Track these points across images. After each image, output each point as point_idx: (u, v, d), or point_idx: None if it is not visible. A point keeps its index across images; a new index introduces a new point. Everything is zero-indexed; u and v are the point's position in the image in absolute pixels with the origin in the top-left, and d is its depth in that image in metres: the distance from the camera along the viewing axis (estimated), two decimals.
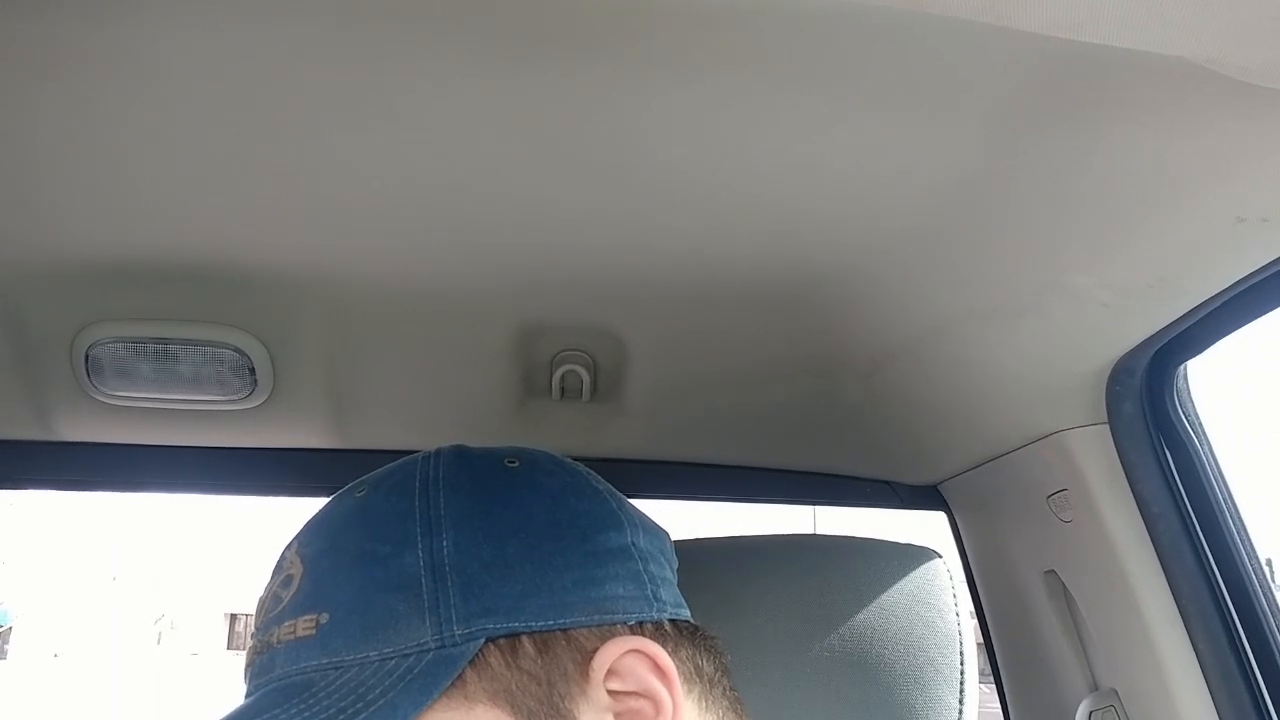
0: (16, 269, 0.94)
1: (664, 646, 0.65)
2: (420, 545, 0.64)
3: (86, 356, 1.05)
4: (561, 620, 0.63)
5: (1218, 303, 0.84)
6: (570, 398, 1.18)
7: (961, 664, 0.98)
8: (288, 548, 0.70)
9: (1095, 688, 1.15)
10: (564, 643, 0.63)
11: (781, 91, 0.67)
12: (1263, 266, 0.78)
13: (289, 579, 0.67)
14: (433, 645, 0.61)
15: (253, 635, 0.69)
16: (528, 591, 0.63)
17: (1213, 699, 0.99)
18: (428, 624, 0.61)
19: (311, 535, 0.70)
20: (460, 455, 0.72)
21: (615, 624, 0.64)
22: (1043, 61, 0.63)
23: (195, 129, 0.73)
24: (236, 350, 1.06)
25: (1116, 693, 1.09)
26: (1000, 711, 1.37)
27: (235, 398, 1.13)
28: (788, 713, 0.97)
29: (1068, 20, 0.50)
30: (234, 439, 1.29)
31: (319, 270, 0.94)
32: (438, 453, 0.72)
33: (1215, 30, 0.50)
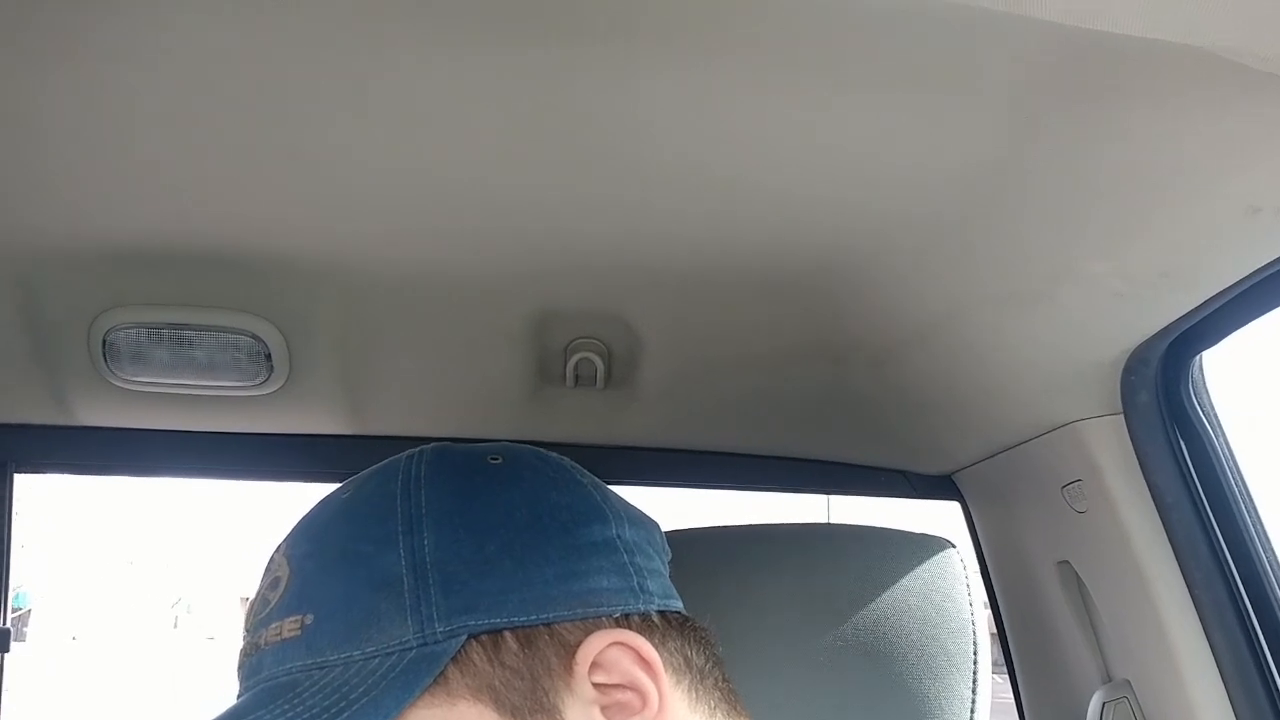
0: (34, 255, 0.94)
1: (651, 638, 0.65)
2: (401, 544, 0.64)
3: (104, 342, 1.06)
4: (544, 615, 0.63)
5: (1233, 293, 0.83)
6: (584, 385, 1.18)
7: (975, 654, 0.98)
8: (276, 550, 0.71)
9: (1108, 679, 1.15)
10: (547, 637, 0.63)
11: (796, 77, 0.67)
12: (1278, 258, 0.77)
13: (276, 581, 0.68)
14: (415, 643, 0.61)
15: (243, 637, 0.70)
16: (509, 587, 0.63)
17: (1226, 690, 0.98)
18: (409, 622, 0.62)
19: (298, 537, 0.70)
20: (442, 454, 0.72)
21: (599, 617, 0.64)
22: (1059, 49, 0.63)
23: (211, 115, 0.73)
24: (253, 336, 1.07)
25: (1130, 684, 1.09)
26: (1013, 702, 1.37)
27: (251, 384, 1.13)
28: (800, 702, 0.97)
29: (1084, 8, 0.49)
30: (250, 425, 1.30)
31: (335, 257, 0.94)
32: (420, 452, 0.72)
33: (1233, 19, 0.50)
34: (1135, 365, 0.98)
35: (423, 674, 0.60)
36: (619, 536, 0.68)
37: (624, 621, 0.65)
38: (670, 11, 0.61)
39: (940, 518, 1.46)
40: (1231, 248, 0.78)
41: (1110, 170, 0.73)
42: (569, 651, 0.63)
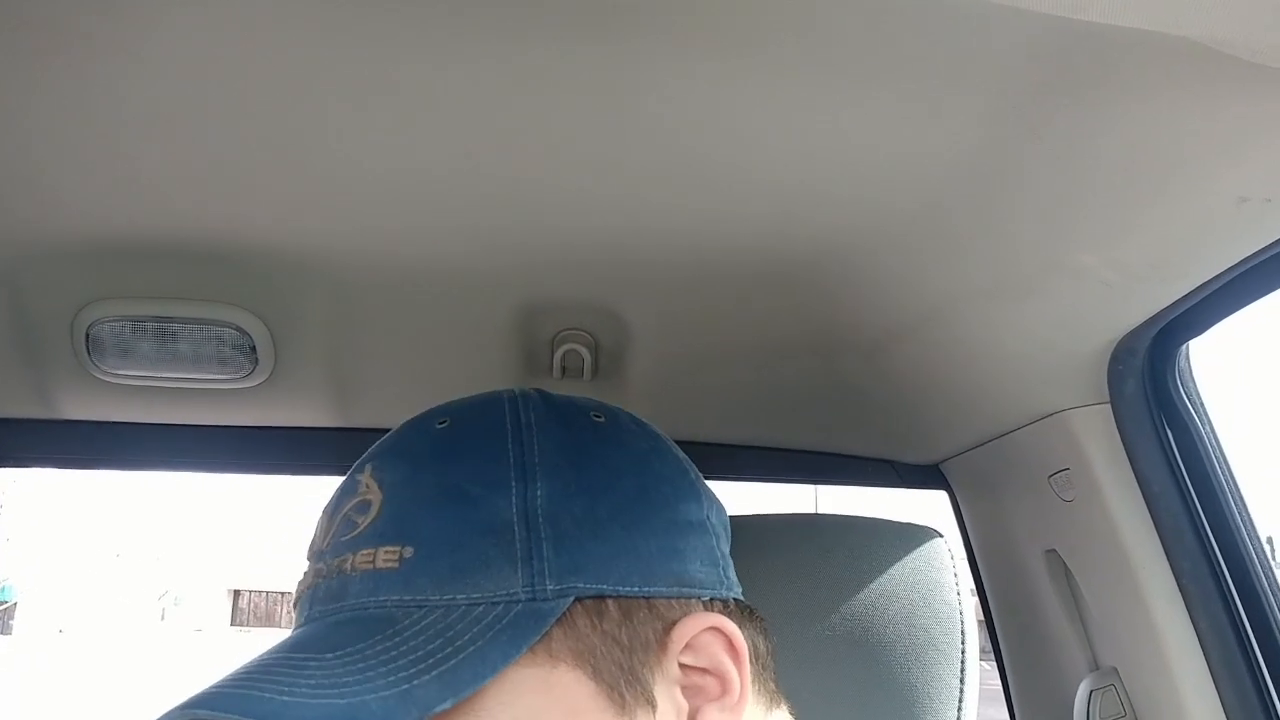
0: (18, 247, 0.94)
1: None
2: (514, 490, 0.62)
3: (87, 335, 1.05)
4: (646, 588, 0.61)
5: (1220, 283, 0.83)
6: (571, 377, 1.18)
7: (962, 643, 0.98)
8: (358, 469, 0.67)
9: (1096, 666, 1.16)
10: (645, 611, 0.61)
11: (785, 70, 0.67)
12: (1265, 247, 0.78)
13: (365, 504, 0.64)
14: (523, 596, 0.59)
15: (316, 557, 0.66)
16: (617, 553, 0.61)
17: (1213, 677, 0.99)
18: (519, 574, 0.59)
19: (390, 461, 0.67)
20: (549, 401, 0.69)
21: (692, 598, 0.64)
22: (1049, 41, 0.63)
23: (197, 107, 0.72)
24: (237, 329, 1.06)
25: (1117, 671, 1.10)
26: (1001, 689, 1.37)
27: (236, 376, 1.13)
28: (788, 692, 0.97)
29: None
30: (235, 417, 1.29)
31: (320, 249, 0.94)
32: (524, 395, 0.69)
33: (1223, 10, 0.50)
34: (1122, 354, 0.98)
35: (530, 630, 0.58)
36: (709, 519, 0.68)
37: (710, 606, 0.64)
38: (660, 7, 0.61)
39: (928, 508, 1.46)
40: (1219, 238, 0.78)
41: (1100, 161, 0.73)
42: (665, 629, 0.62)
